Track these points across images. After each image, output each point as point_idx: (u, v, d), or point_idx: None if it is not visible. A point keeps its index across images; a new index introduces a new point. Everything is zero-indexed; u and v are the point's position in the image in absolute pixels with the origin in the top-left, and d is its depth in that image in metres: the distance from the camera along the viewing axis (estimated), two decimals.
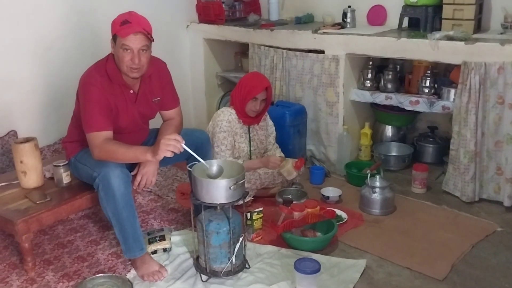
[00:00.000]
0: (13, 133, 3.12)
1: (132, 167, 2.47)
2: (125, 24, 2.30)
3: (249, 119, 3.06)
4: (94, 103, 2.34)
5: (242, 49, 4.26)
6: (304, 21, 3.93)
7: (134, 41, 2.30)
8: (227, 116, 3.01)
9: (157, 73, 2.54)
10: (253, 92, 2.97)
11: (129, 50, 2.31)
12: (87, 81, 2.38)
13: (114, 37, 2.35)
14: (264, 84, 3.03)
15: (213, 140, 2.97)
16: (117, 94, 2.41)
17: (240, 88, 3.02)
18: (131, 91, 2.47)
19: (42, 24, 3.20)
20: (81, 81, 2.42)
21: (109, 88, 2.38)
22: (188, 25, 4.16)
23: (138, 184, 2.45)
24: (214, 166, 2.34)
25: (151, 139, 2.61)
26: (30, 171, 2.55)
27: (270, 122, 3.28)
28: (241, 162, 2.96)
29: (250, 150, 3.12)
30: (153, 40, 2.38)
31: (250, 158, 3.12)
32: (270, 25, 3.84)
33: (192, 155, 2.27)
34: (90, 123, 2.34)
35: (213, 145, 2.97)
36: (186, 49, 4.21)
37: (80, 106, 2.41)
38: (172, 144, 2.19)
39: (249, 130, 3.11)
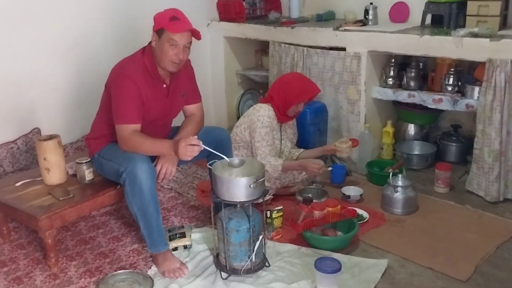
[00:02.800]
0: (36, 131, 3.17)
1: (153, 159, 2.50)
2: (175, 20, 2.35)
3: (285, 118, 3.08)
4: (127, 95, 2.37)
5: (263, 47, 4.25)
6: (325, 18, 3.91)
7: (182, 38, 2.36)
8: (267, 111, 3.00)
9: (184, 68, 2.57)
10: (304, 96, 3.00)
11: (174, 46, 2.35)
12: (121, 72, 2.41)
13: (160, 31, 2.37)
14: (317, 90, 3.08)
15: (251, 135, 2.99)
16: (151, 87, 2.45)
17: (286, 89, 3.00)
18: (164, 85, 2.50)
19: (67, 22, 3.24)
20: (115, 71, 2.45)
21: (143, 81, 2.42)
22: (208, 23, 4.17)
23: (158, 174, 2.46)
24: (236, 158, 2.37)
25: (172, 136, 2.62)
26: (54, 168, 2.59)
27: (295, 122, 3.28)
28: (282, 161, 2.98)
29: (280, 148, 3.13)
30: (200, 38, 2.43)
31: (279, 156, 3.13)
32: (291, 22, 3.82)
33: (212, 153, 2.28)
34: (121, 114, 2.38)
35: (251, 140, 2.99)
36: (207, 47, 4.22)
37: (111, 97, 2.44)
38: (190, 151, 2.23)
39: (280, 129, 3.12)
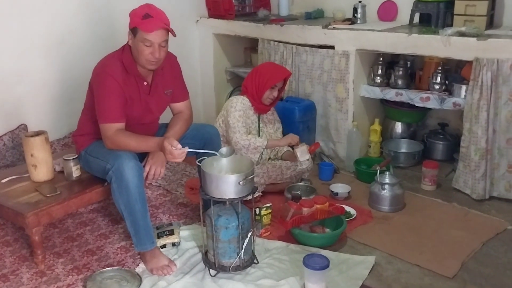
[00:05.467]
0: (23, 127, 3.14)
1: (142, 158, 2.48)
2: (148, 18, 2.30)
3: (262, 106, 3.09)
4: (110, 94, 2.35)
5: (252, 45, 4.24)
6: (314, 17, 3.92)
7: (156, 37, 2.32)
8: (240, 99, 3.06)
9: (169, 66, 2.56)
10: (274, 80, 3.02)
11: (149, 45, 2.32)
12: (103, 70, 2.39)
13: (134, 30, 2.34)
14: (286, 72, 3.12)
15: (227, 123, 3.01)
16: (132, 85, 2.43)
17: (257, 76, 3.05)
18: (145, 83, 2.48)
19: (55, 18, 3.21)
20: (97, 70, 2.43)
21: (125, 79, 2.40)
22: (197, 20, 4.16)
23: (147, 175, 2.46)
24: (224, 147, 2.37)
25: (160, 133, 2.61)
26: (41, 164, 2.56)
27: (278, 118, 3.29)
28: (266, 138, 3.03)
29: None
30: (175, 36, 2.39)
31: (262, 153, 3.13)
32: (280, 20, 3.83)
33: (201, 151, 2.28)
34: (104, 114, 2.36)
35: (227, 130, 3.01)
36: (196, 44, 4.21)
37: (94, 96, 2.42)
38: (173, 158, 2.22)
39: (258, 121, 3.12)
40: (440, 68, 3.28)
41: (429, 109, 3.55)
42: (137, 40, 2.34)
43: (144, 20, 2.30)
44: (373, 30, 3.30)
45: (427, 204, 3.04)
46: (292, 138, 3.09)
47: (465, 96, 3.07)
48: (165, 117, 2.70)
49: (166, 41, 2.37)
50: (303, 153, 3.03)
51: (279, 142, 3.10)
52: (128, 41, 2.42)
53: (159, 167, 2.49)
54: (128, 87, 2.41)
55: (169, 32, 2.37)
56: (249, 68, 4.18)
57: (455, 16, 3.14)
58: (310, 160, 3.21)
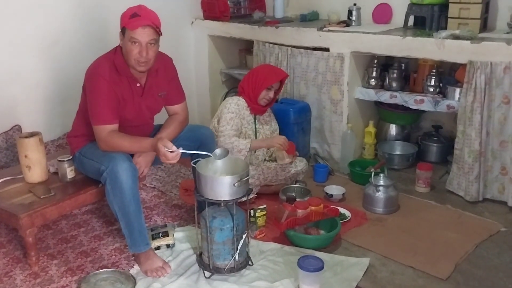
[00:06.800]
0: (17, 128, 3.13)
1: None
2: (134, 17, 2.31)
3: (258, 107, 3.09)
4: (102, 95, 2.35)
5: (247, 46, 4.25)
6: (309, 19, 3.92)
7: (143, 34, 2.31)
8: (236, 100, 3.05)
9: (164, 68, 2.56)
10: (270, 81, 3.03)
11: (137, 43, 2.32)
12: (95, 72, 2.39)
13: (123, 30, 2.36)
14: (282, 74, 3.14)
15: (220, 123, 3.01)
16: (124, 87, 2.43)
17: (254, 76, 3.06)
18: (138, 84, 2.48)
19: (49, 18, 3.19)
20: (89, 72, 2.43)
21: (117, 80, 2.40)
22: (193, 22, 4.16)
23: None
24: (218, 149, 2.34)
25: (155, 135, 2.61)
26: (35, 165, 2.55)
27: (275, 119, 3.30)
28: (249, 141, 2.99)
29: None
30: (161, 34, 2.39)
31: (255, 151, 3.14)
32: (275, 22, 3.83)
33: (195, 153, 2.28)
34: (97, 115, 2.36)
35: (218, 128, 3.00)
36: (191, 45, 4.21)
37: (87, 98, 2.42)
38: (167, 159, 2.21)
39: (255, 122, 3.12)
40: (434, 70, 3.29)
41: (423, 111, 3.55)
42: (126, 39, 2.34)
43: (131, 19, 2.31)
44: (368, 33, 3.31)
45: (421, 206, 3.05)
46: (278, 139, 3.02)
47: (459, 98, 3.08)
48: (161, 118, 2.69)
49: (155, 40, 2.36)
50: (281, 158, 3.00)
51: (263, 143, 3.06)
52: (120, 42, 2.42)
53: (143, 166, 2.50)
54: (120, 88, 2.41)
55: (158, 32, 2.36)
56: (244, 70, 4.20)
57: (449, 19, 3.15)
58: (305, 162, 3.22)
